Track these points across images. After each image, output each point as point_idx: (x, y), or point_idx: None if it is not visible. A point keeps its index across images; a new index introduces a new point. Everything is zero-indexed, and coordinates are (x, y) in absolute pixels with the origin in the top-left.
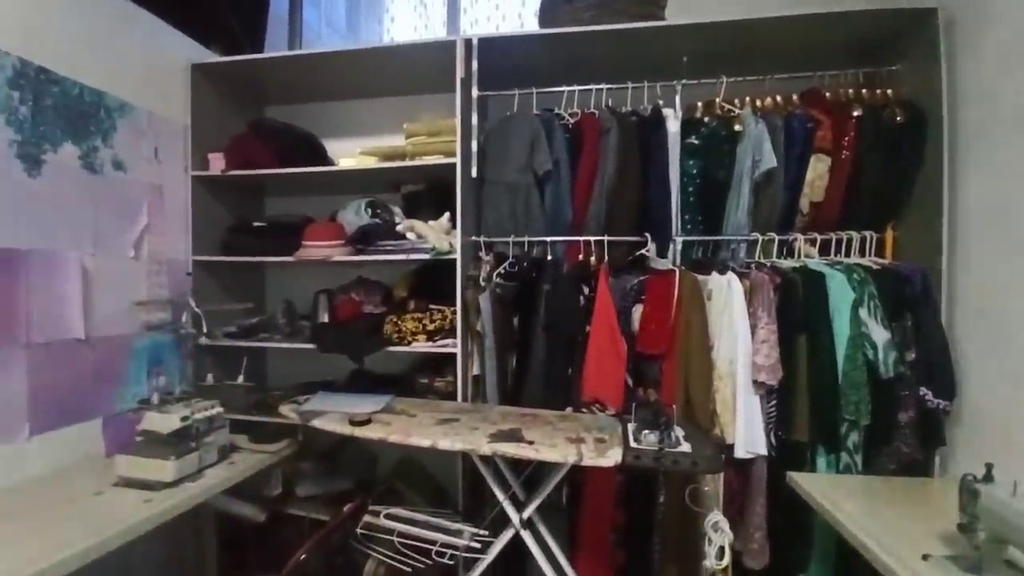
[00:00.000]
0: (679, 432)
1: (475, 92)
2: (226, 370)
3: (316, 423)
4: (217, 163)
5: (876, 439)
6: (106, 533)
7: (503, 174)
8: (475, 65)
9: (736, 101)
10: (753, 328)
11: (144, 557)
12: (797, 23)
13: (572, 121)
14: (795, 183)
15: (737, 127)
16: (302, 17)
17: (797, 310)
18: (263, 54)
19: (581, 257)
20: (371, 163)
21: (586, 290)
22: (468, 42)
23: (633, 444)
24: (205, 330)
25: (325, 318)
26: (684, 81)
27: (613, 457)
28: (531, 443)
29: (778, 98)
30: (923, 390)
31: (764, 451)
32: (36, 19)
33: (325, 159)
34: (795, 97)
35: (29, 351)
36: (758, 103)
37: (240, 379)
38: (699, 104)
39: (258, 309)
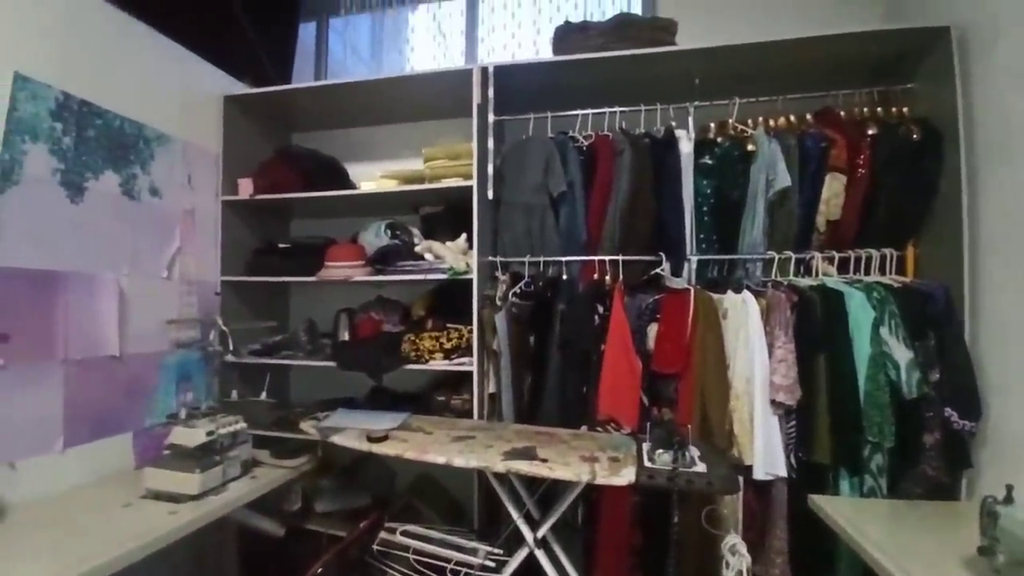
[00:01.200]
0: (694, 452)
1: (491, 117)
2: (250, 387)
3: (335, 439)
4: (246, 188)
5: (901, 462)
6: (133, 544)
7: (519, 195)
8: (491, 91)
9: (749, 121)
10: (770, 347)
11: (168, 568)
12: (809, 45)
13: (586, 143)
14: (811, 201)
15: (750, 147)
16: (328, 47)
17: (815, 329)
18: (291, 85)
19: (596, 276)
20: (391, 186)
21: (601, 309)
22: (485, 70)
23: (647, 463)
24: (231, 348)
25: (345, 336)
26: (696, 103)
27: (627, 476)
28: (545, 461)
29: (791, 118)
30: (948, 411)
31: (784, 473)
32: (79, 55)
33: (347, 183)
34: (808, 116)
35: (66, 367)
36: (771, 123)
37: (263, 395)
38: (712, 125)
39: (282, 328)
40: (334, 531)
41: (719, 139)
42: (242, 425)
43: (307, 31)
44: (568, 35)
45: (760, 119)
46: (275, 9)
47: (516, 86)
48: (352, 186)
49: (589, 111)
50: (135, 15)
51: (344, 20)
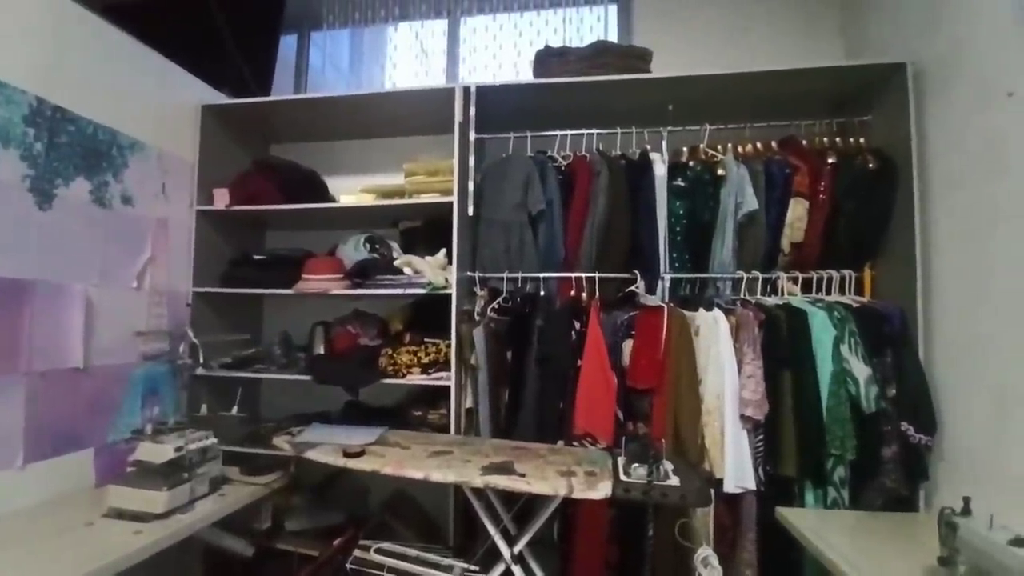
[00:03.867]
0: (668, 466)
1: (472, 135)
2: (221, 401)
3: (310, 454)
4: (222, 198)
5: (862, 474)
6: (94, 565)
7: (498, 212)
8: (472, 110)
9: (719, 147)
10: (739, 363)
11: None
12: (774, 77)
13: (565, 163)
14: (776, 224)
15: (720, 171)
16: (308, 61)
17: (781, 346)
18: (271, 97)
19: (573, 293)
20: (371, 200)
21: (578, 325)
22: (467, 89)
23: (623, 478)
24: (201, 360)
25: (321, 350)
26: (670, 128)
27: (603, 490)
28: (523, 476)
29: (758, 145)
30: (905, 425)
31: (753, 486)
32: (54, 60)
33: (326, 196)
34: (774, 144)
35: (28, 379)
36: (739, 149)
37: (234, 410)
38: (684, 149)
39: (255, 341)
40: (306, 550)
41: (691, 163)
42: (212, 441)
43: (288, 44)
44: (548, 59)
45: (729, 145)
46: (256, 21)
47: (497, 106)
48: (331, 199)
49: (568, 132)
50: (112, 22)
51: (325, 34)
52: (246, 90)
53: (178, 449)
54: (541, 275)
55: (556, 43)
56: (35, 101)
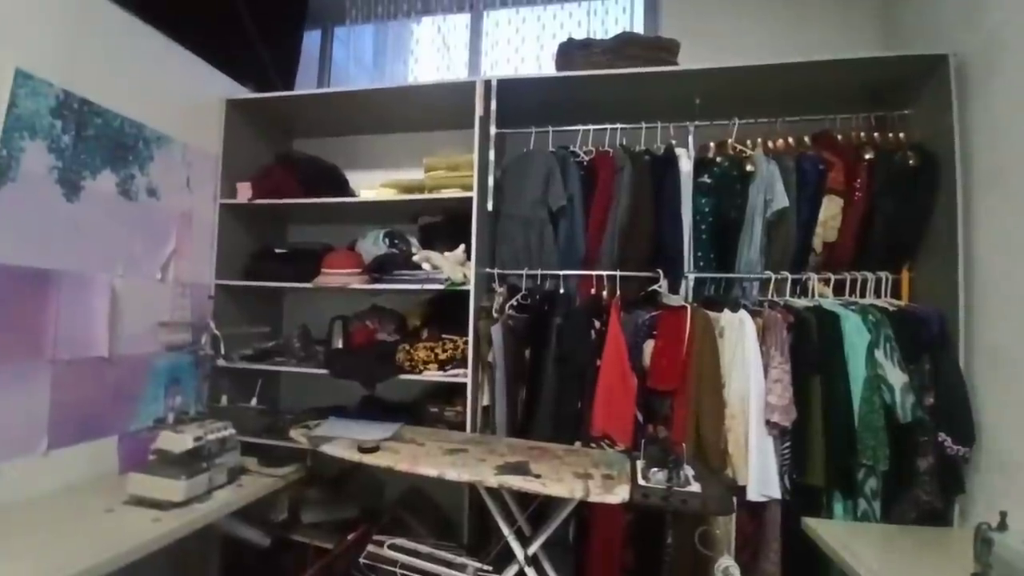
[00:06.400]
0: (689, 471)
1: (493, 129)
2: (241, 392)
3: (325, 448)
4: (245, 192)
5: (895, 486)
6: (113, 551)
7: (518, 208)
8: (493, 104)
9: (748, 142)
10: (766, 367)
11: None
12: (808, 69)
13: (587, 159)
14: (808, 223)
15: (749, 167)
16: (332, 55)
17: (811, 350)
18: (294, 91)
19: (593, 291)
20: (391, 195)
21: (597, 324)
22: (488, 83)
23: (641, 482)
24: (223, 352)
25: (339, 344)
26: (697, 122)
27: (620, 494)
28: (538, 477)
29: (790, 140)
30: (942, 435)
31: (778, 494)
32: (82, 54)
33: (347, 190)
34: (806, 139)
35: (54, 367)
36: (770, 144)
37: (253, 402)
38: (711, 144)
39: (275, 333)
40: (321, 543)
41: (718, 158)
42: (231, 431)
43: (312, 39)
44: (571, 52)
45: (759, 140)
46: (280, 16)
47: (518, 100)
48: (351, 193)
49: (590, 127)
50: (139, 16)
51: (348, 29)
52: (270, 85)
53: (197, 439)
54: (561, 272)
55: (580, 35)
56: (62, 93)
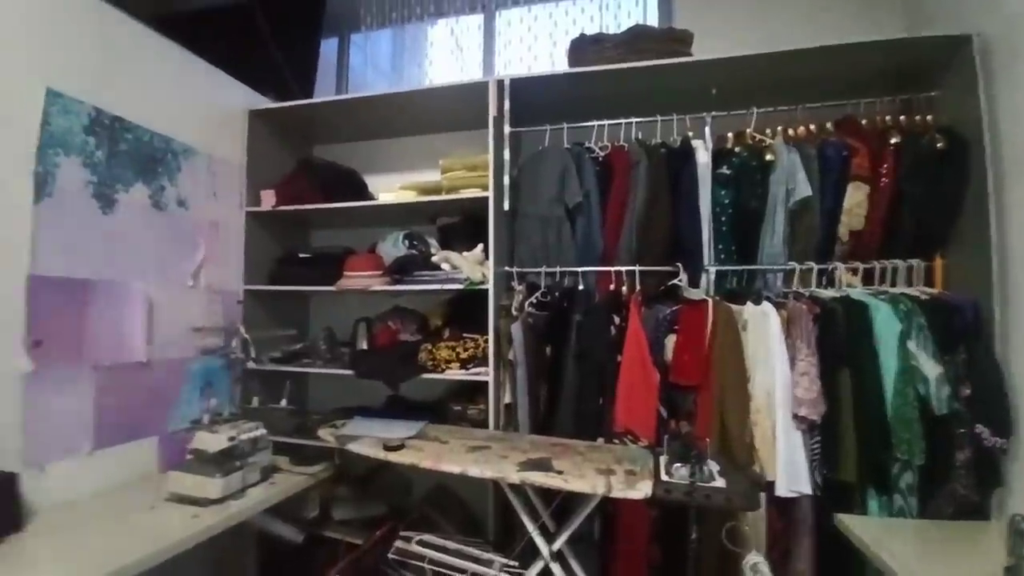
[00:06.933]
0: (713, 467)
1: (507, 129)
2: (271, 394)
3: (352, 447)
4: (269, 199)
5: (932, 480)
6: (157, 546)
7: (535, 207)
8: (507, 104)
9: (768, 131)
10: (792, 360)
11: (189, 572)
12: (829, 54)
13: (602, 154)
14: (833, 211)
15: (769, 157)
16: (349, 62)
17: (839, 341)
18: (313, 99)
19: (612, 287)
20: (408, 197)
21: (617, 320)
22: (501, 83)
23: (664, 477)
24: (253, 355)
25: (364, 345)
26: (713, 113)
27: (643, 490)
28: (560, 473)
29: (811, 127)
30: (979, 427)
31: (808, 490)
32: (110, 72)
33: (365, 194)
34: (829, 125)
35: (96, 372)
36: (790, 132)
37: (283, 402)
38: (729, 135)
39: (302, 336)
40: (351, 539)
41: (737, 148)
42: (262, 431)
43: (329, 46)
44: (583, 47)
45: (779, 128)
46: (298, 26)
47: (532, 98)
48: (370, 197)
49: (605, 122)
50: (164, 33)
51: (365, 35)
52: (290, 94)
53: (231, 439)
54: (579, 269)
55: (592, 31)
56: (93, 111)
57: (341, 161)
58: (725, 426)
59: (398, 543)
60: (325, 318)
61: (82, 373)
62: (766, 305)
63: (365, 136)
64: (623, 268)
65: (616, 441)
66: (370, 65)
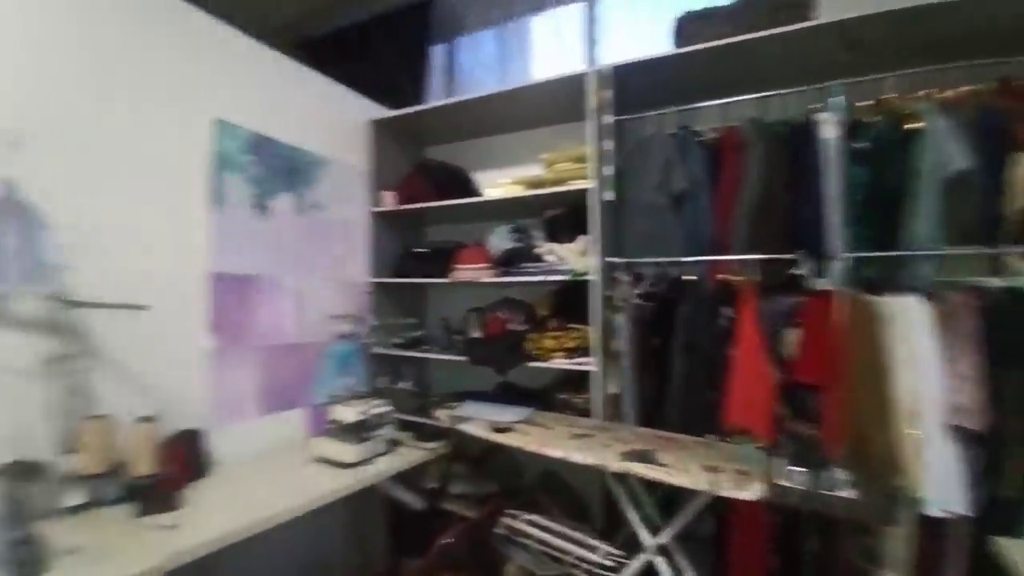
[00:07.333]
0: (839, 474)
1: (608, 118)
2: (395, 375)
3: (464, 427)
4: (389, 200)
5: None
6: (308, 497)
7: (640, 195)
8: (610, 92)
9: (910, 97)
10: (951, 361)
11: (334, 524)
12: (982, 3)
13: (711, 137)
14: (994, 186)
15: (913, 126)
16: (458, 64)
17: (1009, 340)
18: (424, 105)
19: (724, 277)
20: (515, 192)
21: (729, 312)
22: (601, 72)
23: (780, 481)
24: (379, 341)
25: (475, 334)
26: (842, 80)
27: (753, 491)
28: (664, 466)
29: (965, 89)
30: None
31: (963, 509)
32: (262, 99)
33: (473, 190)
34: (986, 87)
35: (259, 352)
36: (940, 96)
37: (406, 384)
38: (864, 104)
39: (421, 324)
40: (465, 512)
41: (874, 119)
42: (388, 408)
43: (440, 51)
44: (689, 25)
45: (925, 93)
46: (409, 38)
47: (637, 84)
48: (477, 193)
49: (716, 102)
50: (300, 57)
51: (471, 37)
52: (405, 101)
53: (363, 413)
54: (687, 259)
55: (699, 7)
56: (251, 136)
57: (451, 160)
58: (859, 432)
59: (507, 520)
60: (441, 308)
61: (248, 352)
62: (913, 297)
63: (473, 135)
64: (736, 257)
65: (728, 440)
66: (479, 64)
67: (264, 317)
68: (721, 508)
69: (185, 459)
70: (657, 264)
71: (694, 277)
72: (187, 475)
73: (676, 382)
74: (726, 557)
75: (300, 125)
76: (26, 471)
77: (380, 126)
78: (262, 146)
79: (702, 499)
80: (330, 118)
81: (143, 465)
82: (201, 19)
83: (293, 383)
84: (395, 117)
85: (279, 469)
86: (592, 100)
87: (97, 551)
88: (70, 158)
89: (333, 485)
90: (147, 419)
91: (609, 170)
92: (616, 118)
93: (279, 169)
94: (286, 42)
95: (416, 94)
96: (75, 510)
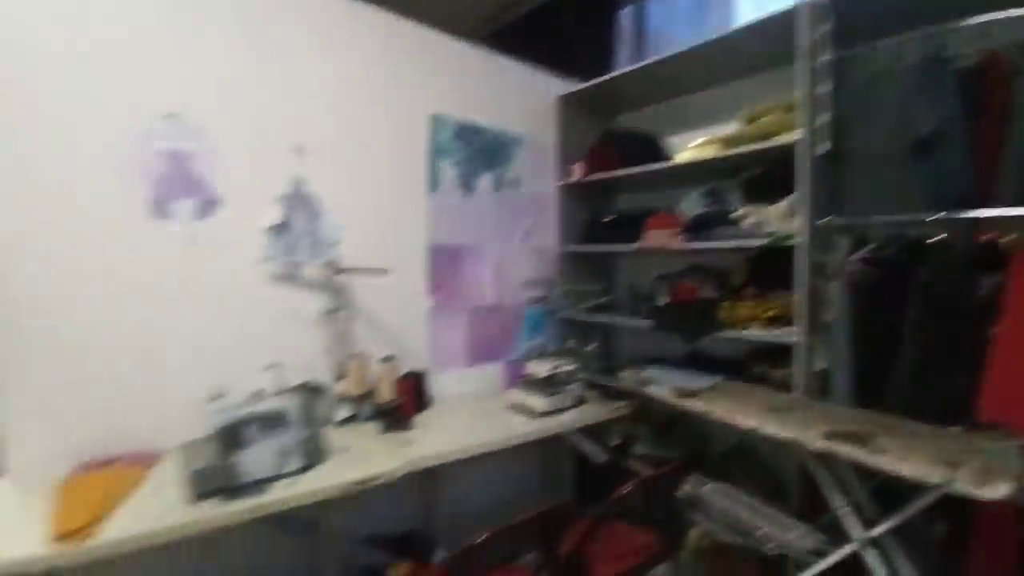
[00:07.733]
0: None
1: (827, 55)
2: (582, 338)
3: (649, 390)
4: (577, 172)
5: None
6: (506, 435)
7: (868, 143)
8: (828, 25)
9: None
10: None
11: (527, 466)
12: None
13: (968, 64)
14: None
15: None
16: (647, 25)
17: None
18: (611, 74)
19: (990, 236)
20: (707, 153)
21: (992, 279)
22: (813, 6)
23: None
24: (568, 305)
25: (662, 301)
26: None
27: (997, 491)
28: (883, 452)
29: None
30: None
31: None
32: (461, 89)
33: (662, 155)
34: None
35: (466, 312)
36: None
37: (592, 347)
38: None
39: (608, 291)
40: (645, 472)
41: None
42: (575, 367)
43: (628, 14)
44: None
45: None
46: (596, 7)
47: (863, 8)
48: (667, 158)
49: (970, 20)
50: (495, 45)
51: None
52: (592, 72)
53: (553, 368)
54: (932, 215)
55: None
56: (456, 123)
57: (645, 126)
58: None
59: (690, 487)
60: (628, 275)
61: (458, 311)
62: None
63: (667, 96)
64: (1003, 212)
65: (975, 431)
66: (670, 21)
67: (470, 281)
68: (955, 510)
69: (414, 393)
70: (888, 224)
71: (942, 236)
72: (415, 405)
73: (909, 361)
74: (960, 568)
75: (498, 109)
76: (313, 390)
77: (568, 100)
78: (466, 132)
79: (931, 495)
80: (523, 99)
81: (386, 393)
82: (415, 31)
83: (494, 339)
84: (583, 90)
85: (482, 411)
86: (806, 37)
87: (359, 452)
88: (334, 160)
89: (525, 429)
90: (388, 359)
91: (824, 118)
92: (835, 55)
93: (481, 151)
94: (486, 33)
95: (603, 63)
96: (343, 422)
